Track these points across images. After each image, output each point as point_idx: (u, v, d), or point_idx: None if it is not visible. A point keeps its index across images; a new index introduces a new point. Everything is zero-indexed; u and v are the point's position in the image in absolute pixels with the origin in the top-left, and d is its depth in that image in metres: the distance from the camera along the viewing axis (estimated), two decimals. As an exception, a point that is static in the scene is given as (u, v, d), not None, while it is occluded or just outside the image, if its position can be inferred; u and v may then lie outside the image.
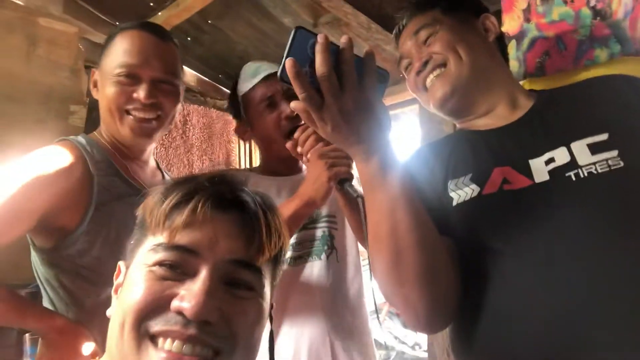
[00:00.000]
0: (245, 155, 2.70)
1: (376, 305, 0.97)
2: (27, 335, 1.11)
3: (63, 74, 1.93)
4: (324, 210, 1.42)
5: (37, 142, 1.24)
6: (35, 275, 1.18)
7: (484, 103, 1.01)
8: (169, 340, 0.57)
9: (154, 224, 0.63)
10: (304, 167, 1.51)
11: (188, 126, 2.29)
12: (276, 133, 1.41)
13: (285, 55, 0.65)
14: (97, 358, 0.68)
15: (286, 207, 1.16)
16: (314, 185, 1.14)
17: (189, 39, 2.16)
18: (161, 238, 0.62)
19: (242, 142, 2.71)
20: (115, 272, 0.70)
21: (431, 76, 1.02)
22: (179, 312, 0.57)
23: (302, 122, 1.25)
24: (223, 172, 0.63)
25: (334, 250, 1.39)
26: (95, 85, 1.26)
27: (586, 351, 0.69)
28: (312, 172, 1.15)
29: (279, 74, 0.66)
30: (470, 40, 1.01)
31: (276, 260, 0.71)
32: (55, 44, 1.91)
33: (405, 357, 5.71)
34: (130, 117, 1.19)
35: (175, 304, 0.58)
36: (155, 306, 0.58)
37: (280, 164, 1.48)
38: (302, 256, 1.36)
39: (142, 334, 0.58)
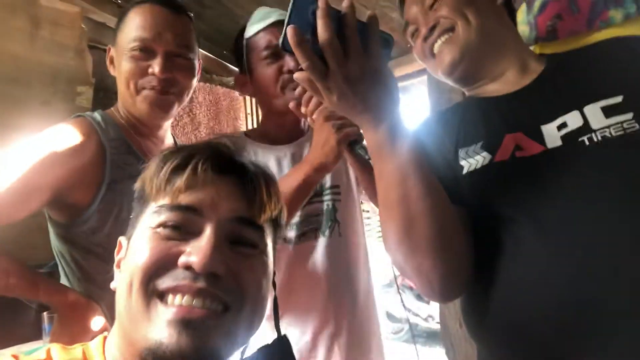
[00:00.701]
0: (253, 132, 2.68)
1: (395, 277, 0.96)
2: (45, 313, 1.13)
3: (68, 54, 1.92)
4: (327, 182, 1.37)
5: (44, 124, 1.24)
6: (53, 248, 1.21)
7: (493, 68, 0.98)
8: (178, 296, 0.57)
9: (155, 191, 0.64)
10: (306, 129, 1.45)
11: (194, 104, 2.28)
12: (274, 86, 1.31)
13: (286, 23, 0.63)
14: (105, 333, 0.68)
15: (296, 174, 1.13)
16: (323, 150, 1.08)
17: (191, 14, 2.13)
18: (163, 201, 0.63)
19: (249, 120, 2.69)
20: (117, 248, 0.70)
21: (439, 42, 0.99)
22: (187, 267, 0.58)
23: None
24: (219, 139, 0.64)
25: (337, 224, 1.35)
26: (111, 62, 1.25)
27: (602, 317, 0.68)
28: (320, 136, 1.10)
29: (280, 42, 0.65)
30: (478, 3, 0.98)
31: (276, 222, 0.71)
32: (59, 24, 1.90)
33: (418, 329, 5.78)
34: (147, 91, 1.18)
35: (182, 259, 0.58)
36: (162, 264, 0.58)
37: (279, 128, 1.40)
38: (306, 233, 1.32)
39: (150, 293, 0.58)
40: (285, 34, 0.62)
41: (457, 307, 0.94)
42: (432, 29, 0.99)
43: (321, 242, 1.32)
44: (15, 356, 0.60)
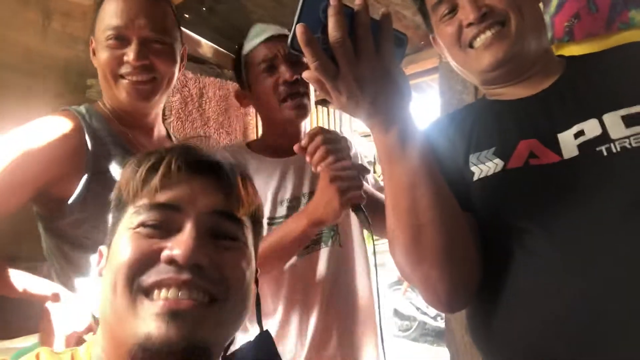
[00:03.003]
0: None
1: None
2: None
3: (79, 47, 1.92)
4: None
5: (56, 116, 1.24)
6: (43, 246, 1.21)
7: (527, 70, 0.92)
8: (164, 290, 0.57)
9: (132, 194, 0.64)
10: None
11: (204, 99, 2.27)
12: (272, 98, 1.33)
13: (295, 21, 0.61)
14: (92, 333, 0.69)
15: (293, 226, 1.15)
16: (324, 210, 1.10)
17: (204, 9, 2.13)
18: (141, 202, 0.63)
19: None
20: (97, 259, 0.70)
21: (487, 33, 0.89)
22: (170, 261, 0.58)
23: (301, 89, 1.27)
24: (191, 139, 0.66)
25: (337, 235, 1.37)
26: (94, 54, 1.23)
27: (614, 333, 0.66)
28: (323, 195, 1.10)
29: (289, 41, 0.62)
30: (529, 0, 0.92)
31: (255, 217, 0.72)
32: (71, 16, 1.90)
33: (426, 328, 5.76)
34: (125, 80, 1.16)
35: (165, 253, 0.59)
36: (145, 261, 0.59)
37: (280, 139, 1.40)
38: (308, 246, 1.32)
39: (135, 290, 0.58)
40: (294, 32, 0.61)
41: (463, 314, 0.92)
42: (483, 17, 0.89)
43: (322, 253, 1.33)
44: None
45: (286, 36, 1.26)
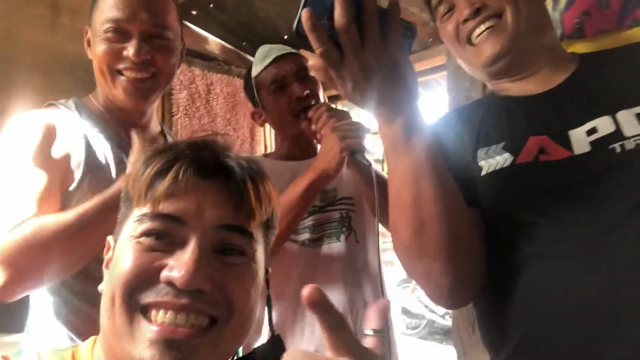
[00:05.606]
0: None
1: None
2: None
3: (88, 43, 1.93)
4: (340, 193, 1.42)
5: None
6: None
7: (530, 65, 0.91)
8: (161, 312, 0.55)
9: (137, 196, 0.61)
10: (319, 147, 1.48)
11: (212, 95, 2.27)
12: (287, 114, 1.41)
13: (301, 6, 0.59)
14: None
15: (301, 181, 1.20)
16: (326, 157, 1.16)
17: (211, 5, 2.13)
18: (145, 209, 0.60)
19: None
20: (105, 248, 0.67)
21: (482, 27, 0.89)
22: (169, 283, 0.55)
23: (313, 102, 1.34)
24: (205, 137, 0.60)
25: (353, 231, 1.40)
26: (89, 45, 1.16)
27: (625, 330, 0.65)
28: (325, 145, 1.18)
29: (294, 26, 0.61)
30: None
31: (268, 224, 0.68)
32: (79, 12, 1.91)
33: (435, 326, 5.75)
34: (123, 77, 1.10)
35: (164, 274, 0.56)
36: (144, 278, 0.56)
37: (294, 147, 1.49)
38: (320, 238, 1.37)
39: (133, 307, 0.56)
40: (299, 17, 0.59)
41: (470, 310, 0.91)
42: (477, 12, 0.89)
43: (336, 247, 1.36)
44: (5, 357, 0.59)
45: (292, 54, 1.42)
